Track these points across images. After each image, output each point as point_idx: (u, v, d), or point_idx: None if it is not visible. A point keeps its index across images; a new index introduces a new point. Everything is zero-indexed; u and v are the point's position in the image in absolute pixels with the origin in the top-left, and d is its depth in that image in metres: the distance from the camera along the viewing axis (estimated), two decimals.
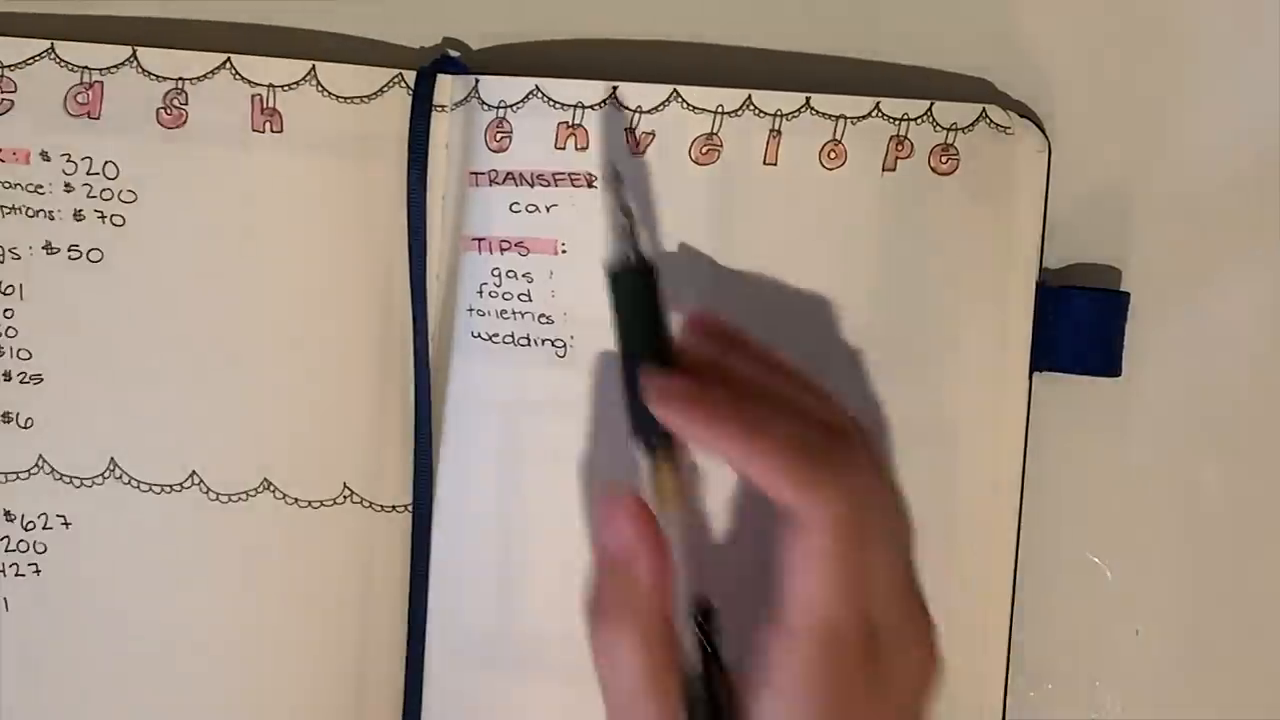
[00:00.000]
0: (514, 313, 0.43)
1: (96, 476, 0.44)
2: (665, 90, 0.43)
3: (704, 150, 0.44)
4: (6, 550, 0.43)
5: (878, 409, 0.43)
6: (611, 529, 0.38)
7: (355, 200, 0.44)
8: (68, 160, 0.43)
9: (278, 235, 0.44)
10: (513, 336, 0.43)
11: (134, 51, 0.43)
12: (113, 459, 0.44)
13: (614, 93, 0.43)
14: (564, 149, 0.43)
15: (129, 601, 0.44)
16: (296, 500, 0.44)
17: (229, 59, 0.43)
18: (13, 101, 0.43)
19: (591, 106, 0.43)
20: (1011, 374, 0.44)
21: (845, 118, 0.43)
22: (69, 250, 0.43)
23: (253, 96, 0.44)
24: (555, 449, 0.43)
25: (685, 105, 0.43)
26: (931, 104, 0.43)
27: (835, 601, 0.35)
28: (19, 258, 0.43)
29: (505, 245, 0.43)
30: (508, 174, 0.43)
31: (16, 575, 0.43)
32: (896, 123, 0.43)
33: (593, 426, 0.43)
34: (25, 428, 0.43)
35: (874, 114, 0.43)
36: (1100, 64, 0.45)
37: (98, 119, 0.43)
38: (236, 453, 0.44)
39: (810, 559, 0.35)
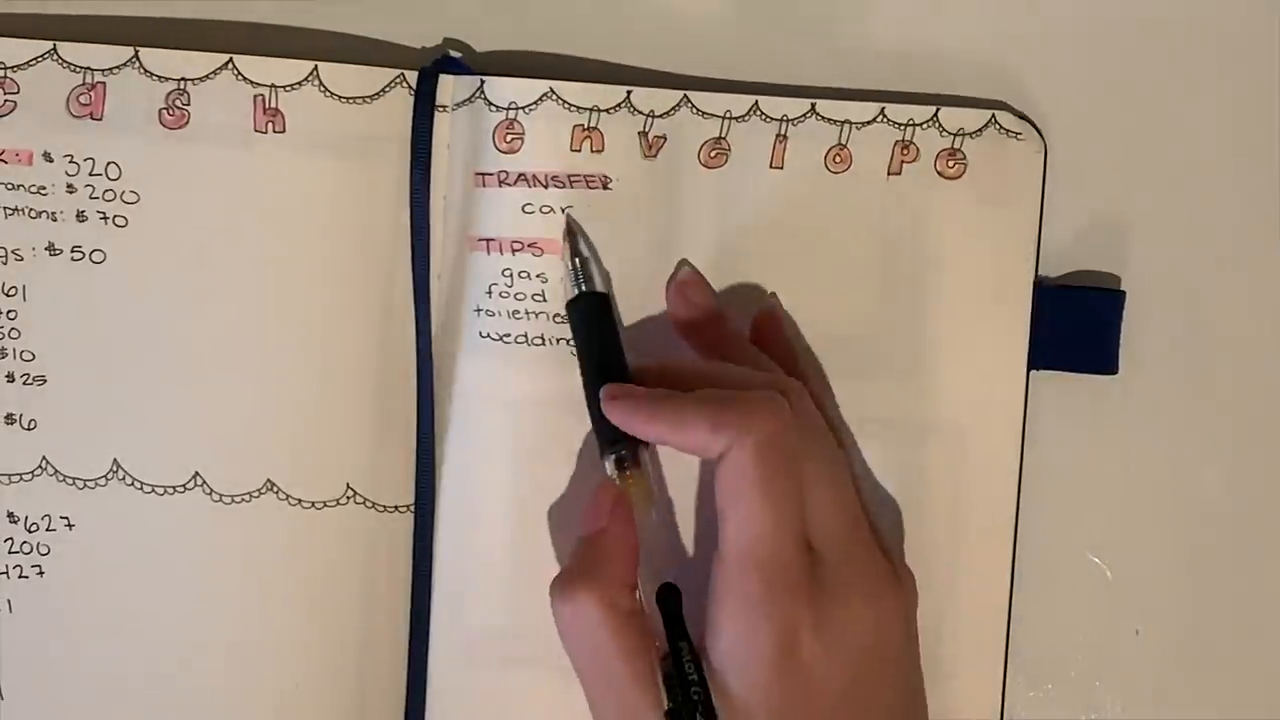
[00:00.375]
0: (527, 313, 0.43)
1: (100, 478, 0.44)
2: (676, 96, 0.44)
3: (713, 154, 0.44)
4: (10, 552, 0.43)
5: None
6: (586, 514, 0.40)
7: (357, 200, 0.44)
8: (70, 161, 0.43)
9: (280, 235, 0.44)
10: (525, 336, 0.44)
11: (136, 52, 0.43)
12: (116, 460, 0.44)
13: (629, 96, 0.44)
14: (579, 151, 0.43)
15: (132, 603, 0.44)
16: (299, 501, 0.44)
17: (231, 59, 0.43)
18: (15, 102, 0.43)
19: (607, 110, 0.43)
20: (1009, 372, 0.44)
21: (850, 123, 0.44)
22: (72, 251, 0.43)
23: (255, 97, 0.43)
24: (569, 448, 0.43)
25: (695, 110, 0.44)
26: (937, 109, 0.44)
27: (764, 521, 0.37)
28: (22, 259, 0.43)
29: (518, 246, 0.43)
30: (519, 175, 0.43)
31: (20, 577, 0.43)
32: (902, 128, 0.44)
33: None
34: (29, 429, 0.43)
35: (879, 119, 0.44)
36: (1098, 67, 0.45)
37: (100, 120, 0.43)
38: (239, 454, 0.44)
39: (735, 484, 0.37)
